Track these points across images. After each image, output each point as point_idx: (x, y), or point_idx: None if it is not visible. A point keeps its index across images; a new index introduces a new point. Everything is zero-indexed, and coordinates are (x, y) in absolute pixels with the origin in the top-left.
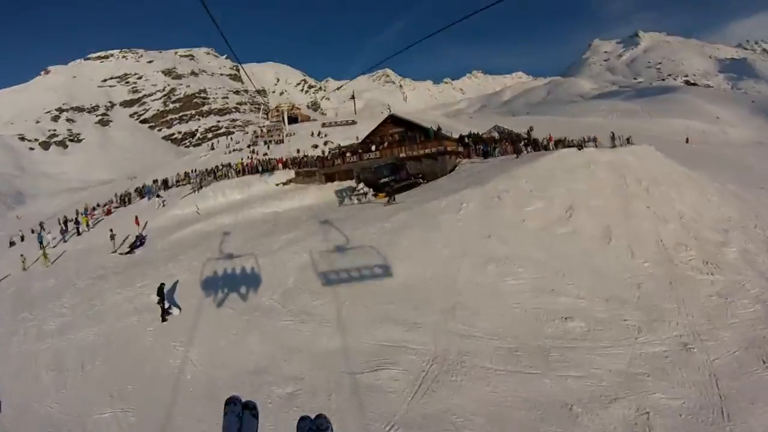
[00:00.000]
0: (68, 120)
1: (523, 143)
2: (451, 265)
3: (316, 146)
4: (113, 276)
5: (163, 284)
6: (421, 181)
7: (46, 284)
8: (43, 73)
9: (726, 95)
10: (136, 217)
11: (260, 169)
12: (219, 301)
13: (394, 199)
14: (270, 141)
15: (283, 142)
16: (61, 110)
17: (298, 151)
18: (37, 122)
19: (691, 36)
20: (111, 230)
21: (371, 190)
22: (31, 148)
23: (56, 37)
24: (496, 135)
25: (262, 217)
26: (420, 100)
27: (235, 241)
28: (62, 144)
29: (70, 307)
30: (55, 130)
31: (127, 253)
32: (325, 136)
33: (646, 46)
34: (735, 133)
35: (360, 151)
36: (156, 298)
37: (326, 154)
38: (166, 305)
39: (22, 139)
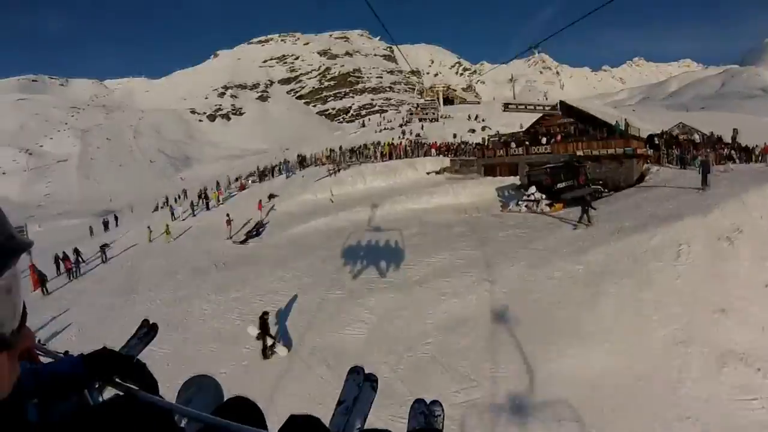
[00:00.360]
0: (232, 96)
1: (727, 152)
2: (670, 358)
3: (473, 131)
4: (215, 272)
5: (266, 314)
6: (604, 191)
7: (156, 264)
8: (213, 56)
9: None
10: (260, 202)
11: (410, 152)
12: (319, 353)
13: (589, 219)
14: (425, 119)
15: (437, 121)
16: (226, 87)
17: (454, 136)
18: (206, 98)
19: None
20: (228, 215)
21: (544, 196)
22: (200, 120)
23: (225, 26)
24: (696, 137)
25: (406, 215)
26: (577, 87)
27: (364, 252)
28: (226, 117)
29: (161, 302)
30: (220, 104)
31: (241, 242)
32: (483, 120)
33: None
34: None
35: (527, 142)
36: (255, 332)
37: (486, 142)
38: (270, 342)
39: (193, 112)
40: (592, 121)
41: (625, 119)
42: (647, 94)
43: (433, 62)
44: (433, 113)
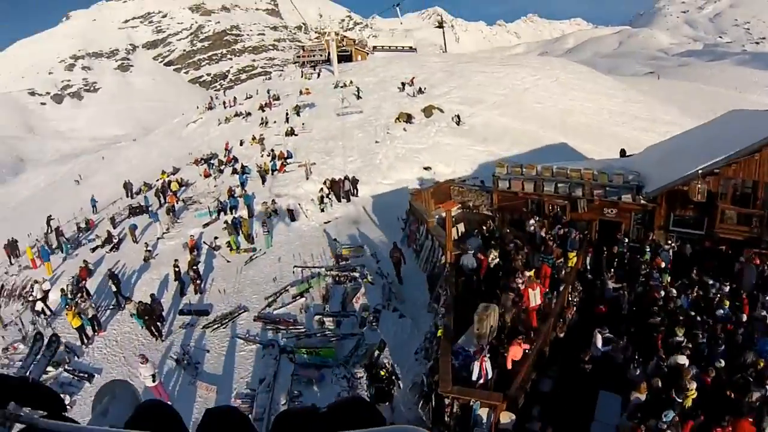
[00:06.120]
0: (84, 68)
1: None
2: None
3: (410, 119)
4: None
5: None
6: None
7: None
8: (65, 18)
9: None
10: None
11: None
12: None
13: None
14: (312, 62)
15: (329, 62)
16: (76, 57)
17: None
18: (50, 73)
19: None
20: None
21: None
22: (43, 103)
23: None
24: None
25: None
26: (472, 42)
27: None
28: (77, 95)
29: None
30: (69, 80)
31: None
32: (423, 90)
33: (732, 0)
34: None
35: None
36: None
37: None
38: None
39: (32, 94)
40: None
41: None
42: (544, 49)
43: (321, 16)
44: (321, 54)
